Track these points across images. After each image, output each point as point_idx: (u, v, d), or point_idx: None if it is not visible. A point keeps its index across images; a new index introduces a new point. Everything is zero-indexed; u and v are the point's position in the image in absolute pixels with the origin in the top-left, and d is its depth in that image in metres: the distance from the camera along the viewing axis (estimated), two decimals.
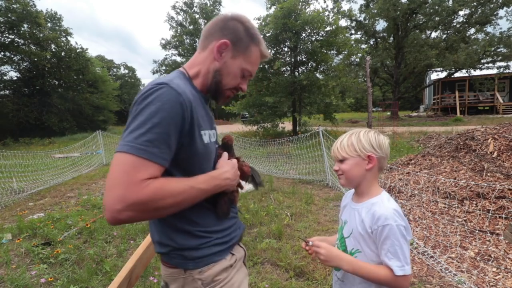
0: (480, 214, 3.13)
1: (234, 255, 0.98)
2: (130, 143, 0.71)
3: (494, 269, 2.44)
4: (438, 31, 22.96)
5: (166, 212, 0.79)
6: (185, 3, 36.18)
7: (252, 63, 0.96)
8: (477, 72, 21.07)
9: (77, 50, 24.67)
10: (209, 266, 0.90)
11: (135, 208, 0.69)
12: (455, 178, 3.81)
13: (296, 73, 13.96)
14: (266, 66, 13.73)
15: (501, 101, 20.72)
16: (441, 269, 2.52)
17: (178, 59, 37.45)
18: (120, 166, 0.70)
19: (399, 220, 0.94)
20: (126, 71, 50.13)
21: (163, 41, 36.88)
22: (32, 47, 21.96)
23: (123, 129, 0.78)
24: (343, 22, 20.98)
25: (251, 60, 0.95)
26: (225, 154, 1.01)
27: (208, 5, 36.20)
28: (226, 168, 0.94)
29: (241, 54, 0.93)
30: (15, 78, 23.33)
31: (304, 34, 13.37)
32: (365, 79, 11.62)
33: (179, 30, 36.41)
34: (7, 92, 23.51)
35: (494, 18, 19.86)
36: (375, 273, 0.95)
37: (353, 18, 21.96)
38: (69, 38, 24.67)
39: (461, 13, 20.80)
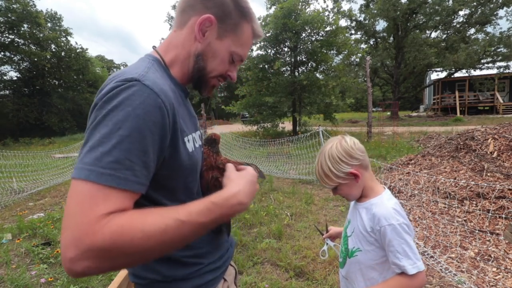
0: (480, 214, 3.13)
1: (226, 281, 0.85)
2: (89, 166, 0.51)
3: (494, 269, 2.44)
4: (438, 31, 22.99)
5: (144, 259, 0.56)
6: None
7: (243, 45, 0.77)
8: (477, 72, 21.08)
9: (77, 50, 24.69)
10: None
11: (92, 255, 0.48)
12: (455, 178, 3.82)
13: (296, 73, 13.97)
14: (266, 66, 13.75)
15: (501, 101, 20.73)
16: (441, 269, 2.52)
17: None
18: (75, 199, 0.51)
19: (400, 219, 0.94)
20: None
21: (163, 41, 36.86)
22: (32, 47, 21.98)
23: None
24: (343, 22, 21.04)
25: (242, 41, 0.76)
26: (230, 166, 0.77)
27: None
28: (238, 187, 0.67)
29: (229, 34, 0.74)
30: (15, 78, 23.36)
31: (304, 34, 13.39)
32: (365, 79, 11.62)
33: None
34: (7, 92, 23.54)
35: (494, 18, 19.87)
36: (401, 285, 0.94)
37: (353, 18, 21.97)
38: (69, 38, 24.69)
39: (461, 13, 20.85)
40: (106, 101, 0.56)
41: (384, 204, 0.99)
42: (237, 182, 0.68)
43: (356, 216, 1.07)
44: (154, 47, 0.79)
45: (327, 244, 1.32)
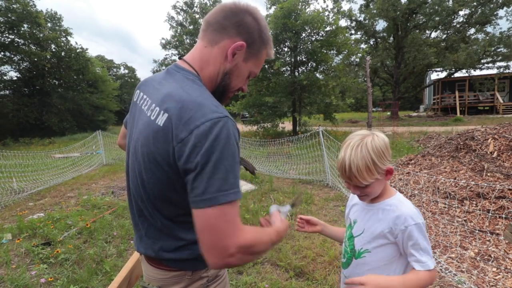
0: (480, 214, 3.13)
1: None
2: (232, 190, 0.69)
3: (494, 269, 2.44)
4: (438, 31, 22.98)
5: (261, 253, 0.81)
6: (185, 3, 36.18)
7: (260, 66, 0.93)
8: (477, 72, 21.07)
9: (77, 50, 24.66)
10: None
11: (243, 250, 0.71)
12: (455, 178, 3.81)
13: (296, 73, 13.97)
14: (266, 66, 13.75)
15: (501, 101, 20.73)
16: (441, 269, 2.52)
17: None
18: (229, 215, 0.69)
19: (422, 218, 0.97)
20: (126, 71, 50.13)
21: (163, 41, 36.89)
22: (32, 47, 21.95)
23: (201, 170, 0.68)
24: (343, 22, 21.03)
25: (260, 63, 0.91)
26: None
27: (208, 5, 36.22)
28: (280, 223, 0.97)
29: (252, 57, 0.87)
30: (15, 78, 23.31)
31: (304, 34, 13.38)
32: (365, 79, 11.63)
33: (179, 30, 36.39)
34: (7, 92, 23.50)
35: (494, 18, 19.87)
36: (419, 280, 0.94)
37: (353, 18, 21.97)
38: (69, 38, 24.68)
39: (461, 13, 20.83)
40: (216, 139, 0.68)
41: (406, 204, 0.99)
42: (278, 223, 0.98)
43: (369, 217, 1.05)
44: (182, 58, 0.89)
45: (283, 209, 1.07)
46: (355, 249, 1.07)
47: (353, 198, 1.19)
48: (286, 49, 14.19)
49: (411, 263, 0.97)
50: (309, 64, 14.29)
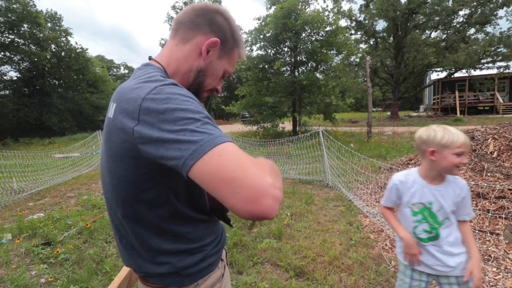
0: (480, 214, 3.13)
1: (223, 261, 0.95)
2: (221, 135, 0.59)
3: (494, 269, 2.44)
4: (438, 31, 22.99)
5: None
6: (185, 3, 36.21)
7: (233, 65, 0.91)
8: (477, 72, 21.08)
9: (77, 50, 24.69)
10: (205, 278, 0.84)
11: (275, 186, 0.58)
12: None
13: (296, 73, 13.96)
14: (266, 66, 13.75)
15: (501, 101, 20.73)
16: None
17: None
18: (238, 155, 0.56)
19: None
20: (126, 71, 50.20)
21: (163, 41, 36.93)
22: (32, 47, 21.98)
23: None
24: (343, 22, 21.03)
25: (233, 62, 0.90)
26: None
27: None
28: None
29: (226, 55, 0.86)
30: (15, 78, 23.34)
31: (304, 34, 13.39)
32: (365, 79, 11.63)
33: None
34: (7, 92, 23.53)
35: (494, 18, 19.87)
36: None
37: (353, 18, 21.97)
38: (69, 38, 24.70)
39: (461, 13, 20.83)
40: (169, 95, 0.62)
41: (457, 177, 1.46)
42: None
43: (442, 195, 1.41)
44: (150, 57, 0.87)
45: None
46: (438, 220, 1.42)
47: (411, 185, 1.47)
48: (286, 49, 14.19)
49: (461, 216, 1.43)
50: (309, 64, 14.29)
